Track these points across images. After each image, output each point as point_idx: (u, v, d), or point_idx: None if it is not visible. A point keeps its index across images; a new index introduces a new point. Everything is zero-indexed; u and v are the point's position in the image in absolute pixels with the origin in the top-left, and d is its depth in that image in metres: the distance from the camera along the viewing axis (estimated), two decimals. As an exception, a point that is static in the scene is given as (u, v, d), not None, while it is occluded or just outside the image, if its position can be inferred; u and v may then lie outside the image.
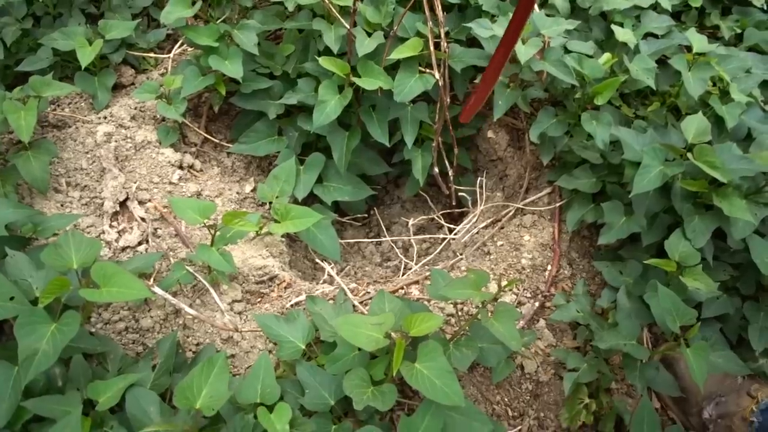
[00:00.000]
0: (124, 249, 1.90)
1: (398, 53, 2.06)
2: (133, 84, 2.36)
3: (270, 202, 2.06)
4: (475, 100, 1.86)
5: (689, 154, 1.81)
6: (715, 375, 1.82)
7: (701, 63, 2.09)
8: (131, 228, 1.95)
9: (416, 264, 2.28)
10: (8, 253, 1.61)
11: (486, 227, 2.26)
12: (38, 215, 1.82)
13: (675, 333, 1.65)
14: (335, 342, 1.61)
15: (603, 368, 1.81)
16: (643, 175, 1.80)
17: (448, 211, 2.51)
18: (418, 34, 2.14)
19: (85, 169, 2.05)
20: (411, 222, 2.47)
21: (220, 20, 2.30)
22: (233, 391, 1.48)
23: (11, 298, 1.45)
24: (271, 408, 1.47)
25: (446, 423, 1.46)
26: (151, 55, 2.44)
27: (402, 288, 2.03)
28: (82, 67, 2.12)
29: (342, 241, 2.42)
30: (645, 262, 1.85)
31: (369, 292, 1.98)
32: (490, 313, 1.57)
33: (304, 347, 1.67)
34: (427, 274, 2.05)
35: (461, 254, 2.19)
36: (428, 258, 2.30)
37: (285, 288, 1.95)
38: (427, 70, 2.08)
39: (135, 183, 2.05)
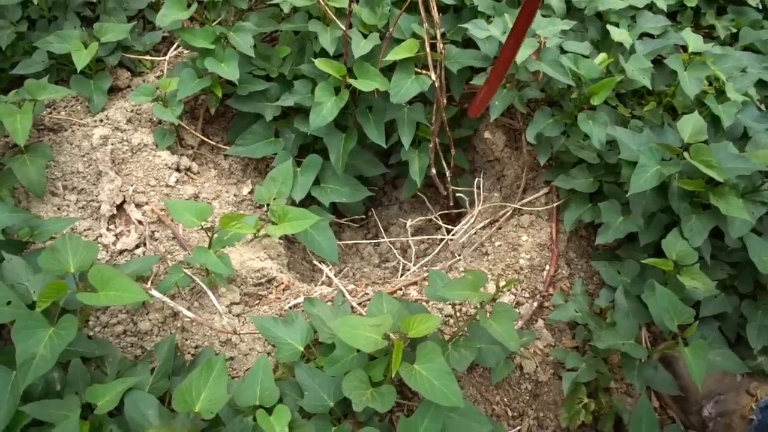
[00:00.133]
0: (121, 252, 1.90)
1: (394, 55, 2.06)
2: (129, 87, 2.36)
3: (267, 204, 2.06)
4: (486, 94, 1.86)
5: (686, 154, 1.82)
6: (714, 373, 1.82)
7: (697, 62, 2.10)
8: (128, 231, 1.95)
9: (414, 265, 2.28)
10: (5, 257, 1.60)
11: (484, 228, 2.26)
12: (35, 219, 1.82)
13: (673, 332, 1.65)
14: (334, 344, 1.61)
15: (602, 368, 1.82)
16: (640, 175, 1.81)
17: (446, 211, 2.51)
18: (414, 35, 2.14)
19: (82, 172, 2.04)
20: (409, 223, 2.47)
21: (215, 22, 2.30)
22: (232, 394, 1.48)
23: (8, 303, 1.44)
24: (270, 410, 1.47)
25: (445, 424, 1.46)
26: (147, 57, 2.43)
27: (400, 289, 2.03)
28: (78, 71, 2.11)
29: (340, 242, 2.42)
30: (643, 261, 1.85)
31: (367, 294, 1.98)
32: (488, 314, 1.57)
33: (302, 349, 1.67)
34: (426, 275, 2.05)
35: (459, 255, 2.20)
36: (426, 259, 2.30)
37: (283, 290, 1.95)
38: (424, 72, 2.08)
39: (132, 186, 2.04)
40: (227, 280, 1.90)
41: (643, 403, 1.68)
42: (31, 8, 2.36)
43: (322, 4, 2.09)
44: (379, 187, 2.75)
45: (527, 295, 1.99)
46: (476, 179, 2.40)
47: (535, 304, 1.96)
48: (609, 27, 2.22)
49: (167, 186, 2.10)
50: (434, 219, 2.48)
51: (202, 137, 2.34)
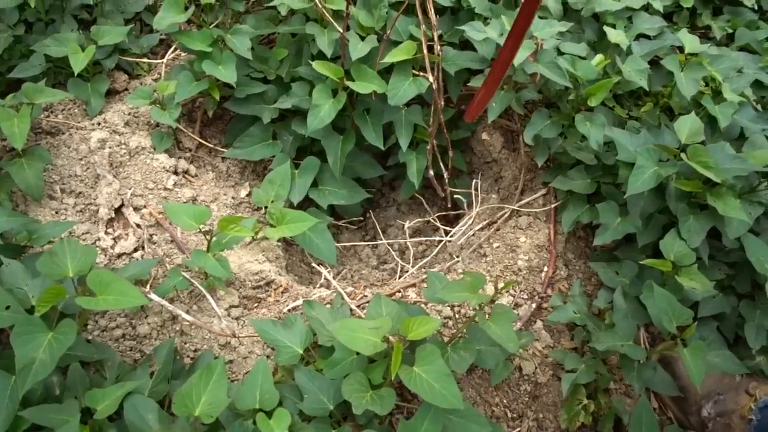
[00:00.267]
0: (119, 256, 1.90)
1: (392, 57, 2.06)
2: (126, 90, 2.36)
3: (265, 207, 2.06)
4: (483, 97, 1.86)
5: (683, 155, 1.82)
6: (714, 374, 1.83)
7: (693, 63, 2.10)
8: (127, 234, 1.95)
9: (413, 267, 2.28)
10: (3, 261, 1.60)
11: (482, 229, 2.26)
12: (33, 223, 1.81)
13: (672, 333, 1.65)
14: (333, 346, 1.61)
15: (601, 369, 1.82)
16: (638, 176, 1.81)
17: (444, 213, 2.51)
18: (412, 37, 2.14)
19: (80, 175, 2.04)
20: (407, 225, 2.47)
21: (213, 25, 2.30)
22: (232, 398, 1.48)
23: (7, 307, 1.44)
24: (270, 414, 1.47)
25: (445, 426, 1.46)
26: (144, 60, 2.43)
27: (399, 291, 2.03)
28: (75, 74, 2.11)
29: (338, 244, 2.42)
30: (641, 262, 1.85)
31: (366, 296, 1.98)
32: (487, 316, 1.57)
33: (302, 352, 1.67)
34: (424, 276, 2.06)
35: (457, 256, 2.20)
36: (425, 260, 2.30)
37: (282, 293, 1.95)
38: (421, 74, 2.08)
39: (130, 189, 2.04)
40: (226, 283, 1.90)
41: (642, 404, 1.68)
42: (28, 11, 2.36)
43: (320, 6, 2.09)
44: (376, 189, 2.75)
45: (526, 296, 2.00)
46: (474, 181, 2.41)
47: (534, 305, 1.97)
48: (606, 28, 2.23)
49: (165, 189, 2.10)
50: (432, 221, 2.48)
51: (200, 140, 2.34)
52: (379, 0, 2.19)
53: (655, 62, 2.23)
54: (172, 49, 2.47)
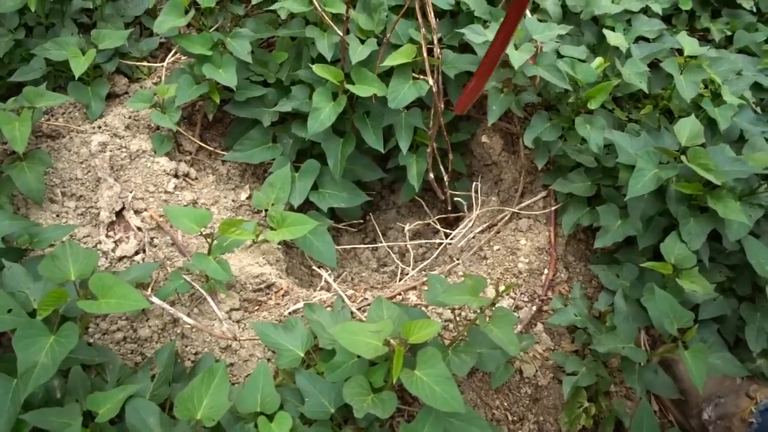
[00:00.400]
0: (120, 259, 1.90)
1: (392, 60, 2.06)
2: (126, 93, 2.36)
3: (266, 210, 2.06)
4: (472, 89, 1.85)
5: (683, 157, 1.83)
6: (714, 376, 1.83)
7: (693, 66, 2.11)
8: (128, 238, 1.95)
9: (413, 269, 2.28)
10: (5, 264, 1.60)
11: (482, 232, 2.27)
12: (34, 226, 1.81)
13: (673, 335, 1.65)
14: (334, 349, 1.61)
15: (602, 372, 1.82)
16: (638, 179, 1.81)
17: (444, 216, 2.52)
18: (411, 40, 2.15)
19: (80, 179, 2.04)
20: (407, 227, 2.47)
21: (212, 29, 2.30)
22: (233, 401, 1.48)
23: (9, 311, 1.44)
24: (271, 417, 1.47)
25: (446, 429, 1.46)
26: (144, 64, 2.44)
27: (399, 294, 2.03)
28: (76, 77, 2.11)
29: (338, 247, 2.42)
30: (641, 265, 1.86)
31: (366, 299, 1.98)
32: (488, 318, 1.57)
33: (303, 355, 1.67)
34: (424, 279, 2.06)
35: (458, 259, 2.20)
36: (425, 263, 2.30)
37: (282, 295, 1.95)
38: (421, 77, 2.08)
39: (131, 192, 2.04)
40: (226, 286, 1.90)
41: (644, 407, 1.68)
42: (28, 15, 2.36)
43: (319, 9, 2.10)
44: (376, 192, 2.76)
45: (526, 299, 2.00)
46: (474, 183, 2.41)
47: (534, 308, 1.97)
48: (605, 31, 2.23)
49: (166, 192, 2.10)
50: (432, 223, 2.48)
51: (200, 143, 2.34)
52: (379, 3, 2.19)
53: (654, 65, 2.24)
54: (172, 52, 2.47)
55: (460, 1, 2.26)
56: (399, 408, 1.63)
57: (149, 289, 1.82)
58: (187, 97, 2.18)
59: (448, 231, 2.39)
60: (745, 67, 2.26)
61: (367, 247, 2.57)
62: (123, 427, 1.46)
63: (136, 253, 1.93)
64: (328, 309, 1.86)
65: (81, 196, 2.02)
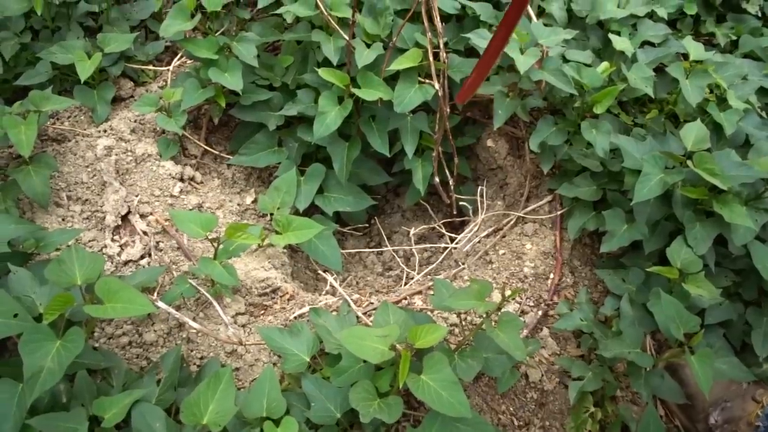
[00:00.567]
0: (126, 263, 1.90)
1: (398, 64, 2.07)
2: (132, 97, 2.36)
3: (271, 214, 2.06)
4: (472, 82, 1.85)
5: (689, 162, 1.82)
6: (721, 381, 1.82)
7: (698, 70, 2.11)
8: (133, 242, 1.95)
9: (418, 273, 2.28)
10: (11, 269, 1.60)
11: (487, 236, 2.26)
12: (40, 230, 1.81)
13: (679, 340, 1.65)
14: (340, 354, 1.61)
15: (608, 376, 1.82)
16: (644, 183, 1.81)
17: (449, 220, 2.51)
18: (417, 44, 2.15)
19: (86, 182, 2.04)
20: (412, 231, 2.47)
21: (218, 33, 2.31)
22: (239, 406, 1.47)
23: (15, 315, 1.44)
24: (277, 422, 1.47)
25: (453, 434, 1.46)
26: (150, 67, 2.44)
27: (405, 298, 2.03)
28: (81, 81, 2.11)
29: (343, 251, 2.42)
30: (647, 269, 1.85)
31: (372, 303, 1.98)
32: (494, 323, 1.57)
33: (308, 360, 1.67)
34: (430, 283, 2.05)
35: (463, 263, 2.20)
36: (430, 267, 2.30)
37: (288, 300, 1.95)
38: (427, 81, 2.09)
39: (136, 196, 2.04)
40: (232, 291, 1.90)
41: (650, 411, 1.68)
42: (34, 19, 2.36)
43: (325, 14, 2.10)
44: (381, 196, 2.76)
45: (532, 303, 1.99)
46: (479, 187, 2.41)
47: (540, 312, 1.96)
48: (610, 36, 2.23)
49: (171, 196, 2.10)
50: (437, 227, 2.48)
51: (206, 147, 2.34)
52: (385, 8, 2.19)
53: (660, 69, 2.23)
54: (178, 56, 2.48)
55: (466, 5, 2.26)
56: (405, 413, 1.63)
57: (155, 294, 1.82)
58: (193, 100, 2.18)
59: (453, 235, 2.39)
60: (751, 72, 2.26)
61: (373, 251, 2.56)
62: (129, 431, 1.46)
63: (142, 257, 1.93)
64: (334, 313, 1.86)
65: (87, 200, 2.02)
